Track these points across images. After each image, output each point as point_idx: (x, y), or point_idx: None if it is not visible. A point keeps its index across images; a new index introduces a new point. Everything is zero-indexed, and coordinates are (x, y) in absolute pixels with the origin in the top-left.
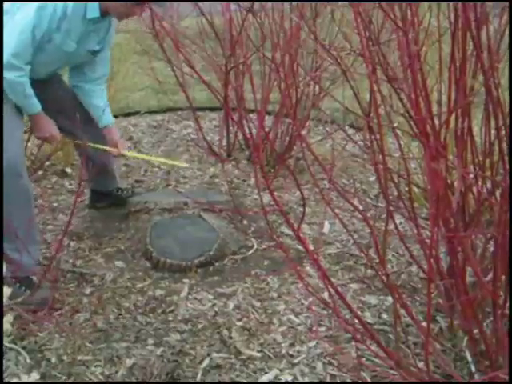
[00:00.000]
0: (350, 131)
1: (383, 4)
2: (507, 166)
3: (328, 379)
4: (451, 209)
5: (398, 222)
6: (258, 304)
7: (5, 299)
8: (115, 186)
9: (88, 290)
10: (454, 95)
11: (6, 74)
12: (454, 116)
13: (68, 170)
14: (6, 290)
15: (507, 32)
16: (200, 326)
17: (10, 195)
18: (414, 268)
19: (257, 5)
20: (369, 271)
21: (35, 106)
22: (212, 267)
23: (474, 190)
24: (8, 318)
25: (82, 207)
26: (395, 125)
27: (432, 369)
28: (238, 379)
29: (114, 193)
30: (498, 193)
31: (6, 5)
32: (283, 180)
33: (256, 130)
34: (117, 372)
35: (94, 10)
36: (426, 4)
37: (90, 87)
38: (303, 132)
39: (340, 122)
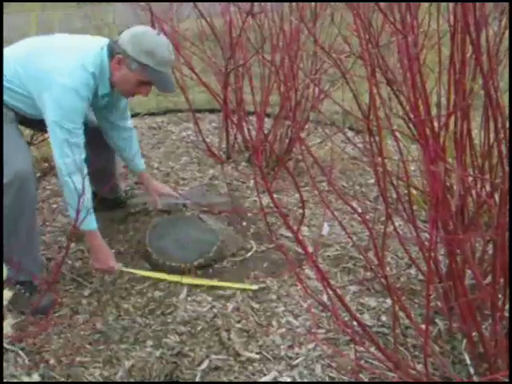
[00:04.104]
0: (350, 134)
1: (382, 7)
2: (506, 169)
3: (327, 381)
4: (450, 211)
5: (397, 224)
6: (256, 306)
7: (5, 302)
8: (118, 194)
9: (87, 292)
10: (453, 98)
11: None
12: (453, 118)
13: None
14: (7, 293)
15: (506, 35)
16: (199, 327)
17: (17, 207)
18: (413, 270)
19: (256, 6)
20: (368, 273)
21: (91, 221)
22: (211, 269)
23: (473, 192)
24: (9, 321)
25: None
26: (394, 127)
27: (431, 371)
28: (236, 381)
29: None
30: (497, 195)
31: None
32: (282, 182)
33: (255, 132)
34: (115, 373)
35: (104, 88)
36: (425, 7)
37: (114, 120)
38: (303, 134)
39: (339, 124)
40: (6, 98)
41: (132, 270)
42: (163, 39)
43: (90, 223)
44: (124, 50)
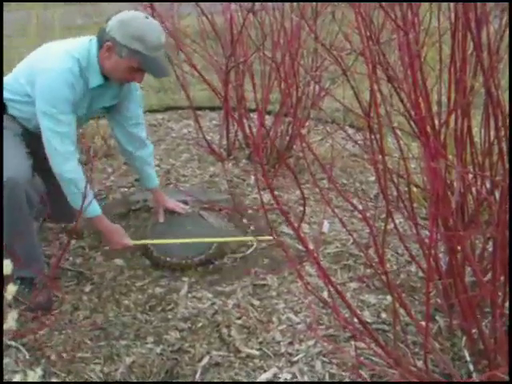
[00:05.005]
0: (350, 131)
1: (384, 4)
2: (507, 166)
3: (327, 378)
4: (450, 209)
5: (397, 221)
6: (257, 302)
7: (9, 297)
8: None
9: (88, 288)
10: (453, 95)
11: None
12: (453, 116)
13: None
14: (11, 288)
15: (507, 32)
16: (199, 324)
17: (10, 208)
18: (413, 267)
19: (258, 4)
20: (368, 270)
21: (94, 207)
22: (211, 266)
23: (474, 190)
24: (13, 315)
25: None
26: (395, 125)
27: (430, 368)
28: (236, 377)
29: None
30: (497, 193)
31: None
32: (283, 179)
33: (256, 128)
34: (116, 370)
35: (95, 78)
36: (426, 4)
37: (126, 126)
38: (303, 131)
39: (340, 121)
40: (15, 112)
41: (145, 242)
42: (153, 22)
43: (94, 210)
44: (113, 37)
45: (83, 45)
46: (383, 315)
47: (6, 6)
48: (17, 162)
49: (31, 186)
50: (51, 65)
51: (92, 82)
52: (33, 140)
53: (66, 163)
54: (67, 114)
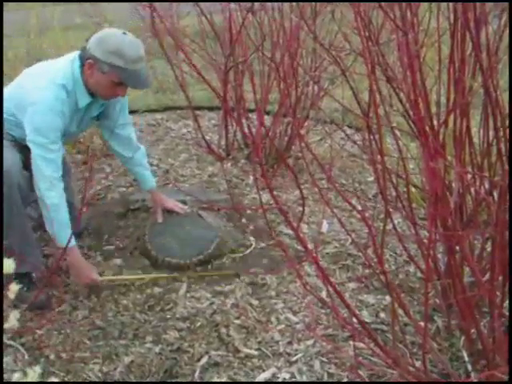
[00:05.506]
0: (349, 131)
1: (383, 4)
2: (506, 167)
3: (325, 377)
4: (449, 209)
5: (396, 221)
6: (256, 302)
7: (12, 296)
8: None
9: (86, 288)
10: (452, 95)
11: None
12: (452, 116)
13: None
14: (14, 287)
15: (506, 33)
16: (198, 323)
17: (3, 198)
18: (411, 268)
19: (257, 4)
20: (367, 270)
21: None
22: (210, 265)
23: (472, 190)
24: (15, 314)
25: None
26: (394, 125)
27: (429, 368)
28: (235, 377)
29: None
30: (495, 193)
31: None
32: (282, 179)
33: (255, 128)
34: (115, 369)
35: (84, 98)
36: (425, 4)
37: (113, 129)
38: (302, 132)
39: (339, 121)
40: (15, 130)
41: (113, 278)
42: (129, 38)
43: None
44: (93, 55)
45: (66, 68)
46: (382, 315)
47: (5, 5)
48: (8, 156)
49: (22, 177)
50: (39, 98)
51: (81, 102)
52: (26, 151)
53: (51, 189)
54: (57, 143)
